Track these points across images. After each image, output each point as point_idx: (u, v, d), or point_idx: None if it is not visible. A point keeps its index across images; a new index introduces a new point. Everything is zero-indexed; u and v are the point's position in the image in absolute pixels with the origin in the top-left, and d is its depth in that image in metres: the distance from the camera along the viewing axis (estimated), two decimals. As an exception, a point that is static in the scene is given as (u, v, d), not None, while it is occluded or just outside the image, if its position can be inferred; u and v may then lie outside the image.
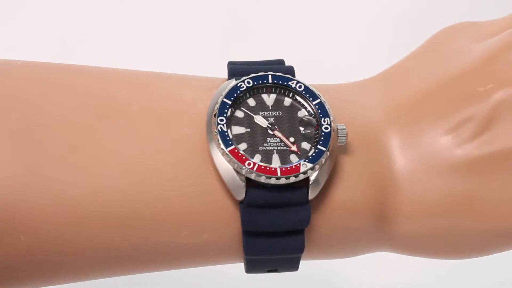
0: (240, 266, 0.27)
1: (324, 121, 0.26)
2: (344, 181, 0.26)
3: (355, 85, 0.29)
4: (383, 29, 0.58)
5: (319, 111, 0.26)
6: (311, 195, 0.25)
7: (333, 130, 0.25)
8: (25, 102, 0.25)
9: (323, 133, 0.25)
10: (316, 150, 0.25)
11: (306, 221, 0.25)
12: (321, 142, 0.25)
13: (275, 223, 0.25)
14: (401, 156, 0.26)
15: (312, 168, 0.25)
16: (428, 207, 0.26)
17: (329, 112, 0.26)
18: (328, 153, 0.25)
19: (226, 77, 0.27)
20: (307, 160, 0.25)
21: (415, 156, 0.26)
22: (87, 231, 0.25)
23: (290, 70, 0.27)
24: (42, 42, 0.57)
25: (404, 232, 0.26)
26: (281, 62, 0.28)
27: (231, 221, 0.25)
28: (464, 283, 0.53)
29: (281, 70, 0.27)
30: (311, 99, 0.26)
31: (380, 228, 0.27)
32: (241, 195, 0.25)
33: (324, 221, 0.26)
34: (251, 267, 0.27)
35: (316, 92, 0.26)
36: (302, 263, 0.27)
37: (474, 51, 0.27)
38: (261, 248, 0.25)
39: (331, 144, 0.25)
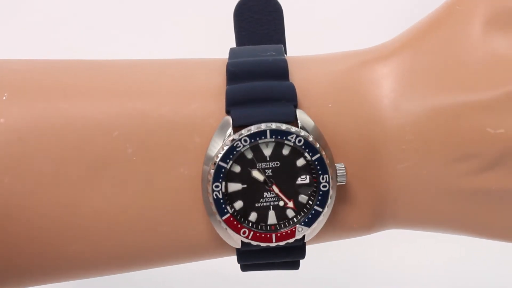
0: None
1: (323, 179, 0.24)
2: (343, 216, 0.26)
3: (356, 71, 0.27)
4: (383, 29, 0.58)
5: (318, 167, 0.24)
6: (307, 238, 0.25)
7: (331, 188, 0.24)
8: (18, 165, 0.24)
9: (320, 192, 0.24)
10: (313, 211, 0.25)
11: (302, 256, 0.26)
12: (318, 202, 0.25)
13: (271, 259, 0.26)
14: (402, 177, 0.25)
15: (307, 230, 0.25)
16: (424, 222, 0.26)
17: (328, 167, 0.24)
18: (324, 212, 0.25)
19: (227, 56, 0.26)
20: (303, 223, 0.25)
21: (418, 179, 0.25)
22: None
23: (290, 88, 0.25)
24: (42, 42, 0.57)
25: (401, 228, 0.27)
26: (282, 63, 0.26)
27: (227, 254, 0.26)
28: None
29: (282, 92, 0.25)
30: (310, 154, 0.24)
31: (379, 227, 0.27)
32: (237, 246, 0.25)
33: (321, 241, 0.27)
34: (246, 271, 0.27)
35: (317, 146, 0.24)
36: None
37: (491, 67, 0.25)
38: (257, 268, 0.26)
39: (328, 203, 0.25)
